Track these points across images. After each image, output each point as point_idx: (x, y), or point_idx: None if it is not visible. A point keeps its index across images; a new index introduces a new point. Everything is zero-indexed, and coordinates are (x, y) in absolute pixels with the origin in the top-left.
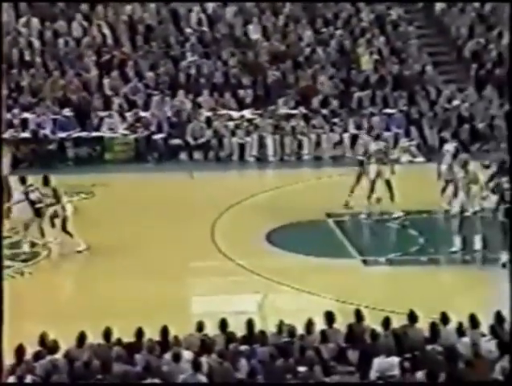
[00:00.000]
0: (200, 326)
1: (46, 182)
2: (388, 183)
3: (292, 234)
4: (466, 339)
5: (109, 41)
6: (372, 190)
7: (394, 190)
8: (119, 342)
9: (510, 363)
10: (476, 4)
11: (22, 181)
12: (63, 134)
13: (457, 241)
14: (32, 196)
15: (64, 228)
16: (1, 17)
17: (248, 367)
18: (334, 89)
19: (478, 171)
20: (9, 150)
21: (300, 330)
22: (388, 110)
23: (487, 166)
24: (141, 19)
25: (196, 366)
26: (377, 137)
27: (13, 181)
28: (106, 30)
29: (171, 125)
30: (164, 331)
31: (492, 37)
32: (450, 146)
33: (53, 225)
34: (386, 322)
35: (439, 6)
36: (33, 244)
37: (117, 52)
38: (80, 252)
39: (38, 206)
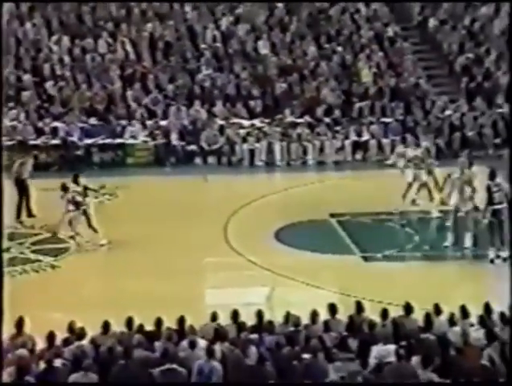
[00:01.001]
0: (214, 317)
1: (75, 180)
2: (426, 186)
3: (298, 232)
4: (457, 329)
5: (132, 56)
6: (407, 191)
7: (432, 192)
8: (140, 329)
9: (511, 361)
10: (467, 22)
11: (75, 180)
12: (89, 141)
13: (450, 237)
14: (78, 198)
15: (89, 225)
16: (1, 17)
17: (257, 354)
18: (336, 100)
19: (473, 175)
20: (30, 156)
21: (305, 320)
22: (386, 119)
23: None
24: (161, 36)
25: (210, 353)
26: (417, 145)
27: (32, 183)
28: (129, 47)
29: (188, 133)
30: (181, 321)
31: (481, 53)
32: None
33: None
34: (384, 313)
35: (432, 24)
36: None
37: (139, 66)
38: (102, 245)
39: (82, 207)
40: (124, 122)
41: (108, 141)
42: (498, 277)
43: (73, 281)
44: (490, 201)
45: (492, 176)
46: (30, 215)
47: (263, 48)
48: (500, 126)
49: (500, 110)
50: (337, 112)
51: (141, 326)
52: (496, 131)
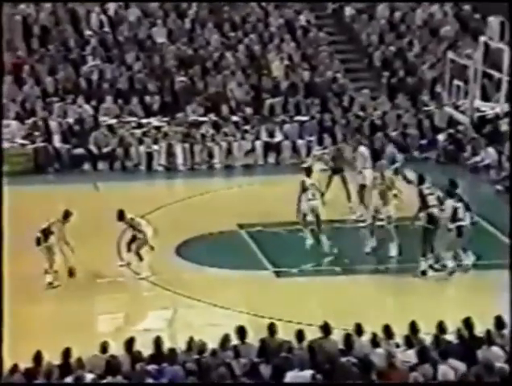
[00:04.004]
0: (104, 347)
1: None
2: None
3: (203, 246)
4: (380, 350)
5: (2, 44)
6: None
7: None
8: (15, 369)
9: (510, 364)
10: (386, 12)
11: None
12: None
13: (370, 242)
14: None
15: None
16: (1, 17)
17: None
18: (245, 96)
19: (394, 178)
20: None
21: (212, 345)
22: (300, 117)
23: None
24: (35, 20)
25: None
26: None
27: None
28: None
29: (73, 134)
30: (66, 353)
31: (403, 45)
32: (364, 149)
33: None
34: (300, 335)
35: (348, 13)
36: None
37: (11, 56)
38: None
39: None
40: None
41: None
42: (424, 291)
43: None
44: (424, 205)
45: (421, 181)
46: None
47: (159, 36)
48: (425, 126)
49: (425, 108)
50: (246, 110)
51: (16, 364)
52: (421, 131)
